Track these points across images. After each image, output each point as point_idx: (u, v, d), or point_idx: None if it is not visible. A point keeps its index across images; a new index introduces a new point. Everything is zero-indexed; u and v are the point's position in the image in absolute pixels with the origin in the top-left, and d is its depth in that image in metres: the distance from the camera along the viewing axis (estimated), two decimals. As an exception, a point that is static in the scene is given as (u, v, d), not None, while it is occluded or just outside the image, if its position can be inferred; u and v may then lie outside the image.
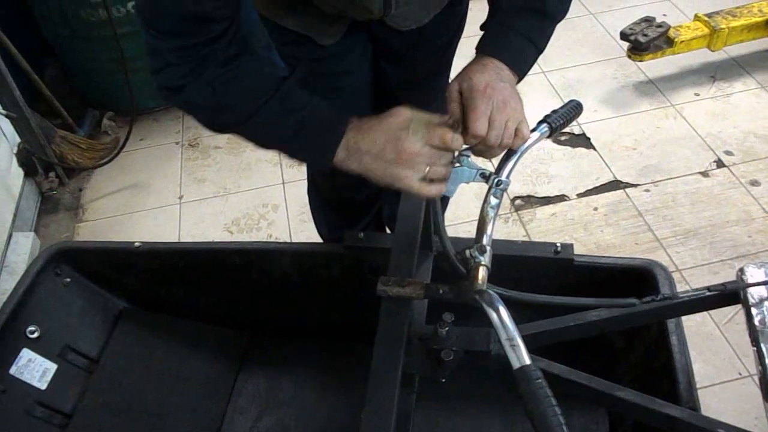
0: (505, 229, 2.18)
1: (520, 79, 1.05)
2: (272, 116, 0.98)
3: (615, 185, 2.31)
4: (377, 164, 0.95)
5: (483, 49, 1.04)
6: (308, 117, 0.98)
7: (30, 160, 2.38)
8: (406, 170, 0.93)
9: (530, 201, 2.29)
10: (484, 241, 0.95)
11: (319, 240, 1.79)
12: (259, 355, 1.55)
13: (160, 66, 0.94)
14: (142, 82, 2.57)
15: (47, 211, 2.43)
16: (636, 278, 1.30)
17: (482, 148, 0.98)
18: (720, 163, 2.35)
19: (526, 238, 2.14)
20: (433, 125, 0.95)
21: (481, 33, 1.08)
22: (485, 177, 0.99)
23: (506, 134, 0.96)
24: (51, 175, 2.48)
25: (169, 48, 0.92)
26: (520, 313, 0.91)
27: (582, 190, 2.30)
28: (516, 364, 0.75)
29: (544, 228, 2.18)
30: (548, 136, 1.06)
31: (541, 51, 1.07)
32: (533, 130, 1.02)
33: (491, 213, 0.98)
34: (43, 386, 1.33)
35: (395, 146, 0.93)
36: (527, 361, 0.74)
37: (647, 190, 2.28)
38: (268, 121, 0.98)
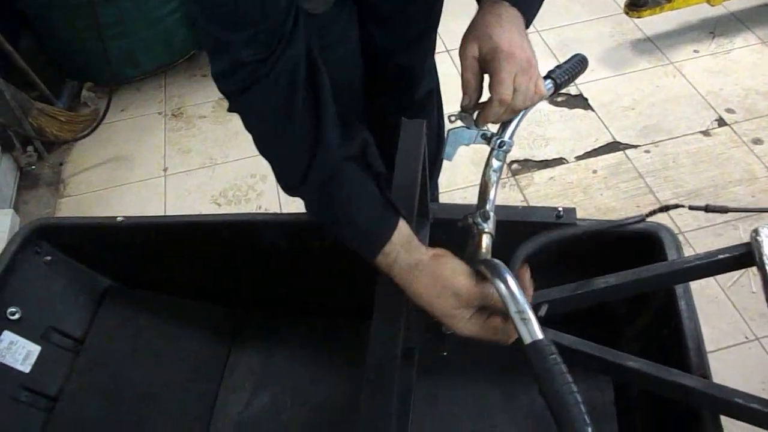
0: (502, 194, 2.12)
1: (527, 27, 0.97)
2: (308, 191, 0.91)
3: (614, 147, 2.26)
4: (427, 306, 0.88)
5: None
6: (343, 218, 0.91)
7: (6, 134, 2.30)
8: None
9: (527, 165, 2.23)
10: (487, 207, 0.90)
11: (310, 211, 1.74)
12: (251, 331, 1.51)
13: (225, 66, 0.82)
14: (121, 50, 2.51)
15: (27, 187, 2.36)
16: (642, 242, 1.25)
17: (501, 112, 0.90)
18: (721, 122, 2.30)
19: (524, 203, 2.10)
20: (491, 311, 0.84)
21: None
22: (487, 139, 0.93)
23: (529, 96, 0.90)
24: (29, 149, 2.40)
25: (242, 40, 0.79)
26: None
27: (580, 153, 2.25)
28: (528, 339, 0.69)
29: (542, 192, 2.13)
30: (552, 93, 0.99)
31: None
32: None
33: (494, 177, 0.93)
34: (27, 369, 1.29)
35: (446, 319, 0.86)
36: (539, 335, 0.69)
37: (647, 151, 2.23)
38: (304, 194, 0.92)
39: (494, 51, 0.89)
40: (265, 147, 0.90)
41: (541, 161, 2.24)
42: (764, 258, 1.01)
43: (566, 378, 0.65)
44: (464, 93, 0.92)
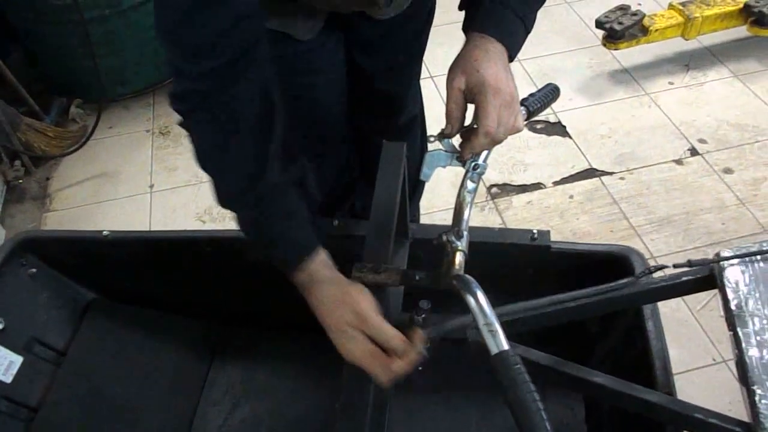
0: (481, 216, 2.17)
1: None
2: (241, 210, 0.96)
3: (590, 173, 2.32)
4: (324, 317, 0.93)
5: (482, 27, 0.98)
6: (272, 235, 0.97)
7: (-6, 149, 2.31)
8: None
9: (506, 189, 2.28)
10: (462, 226, 0.94)
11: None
12: (231, 346, 1.53)
13: (178, 89, 0.88)
14: (111, 69, 2.53)
15: (13, 201, 2.37)
16: (612, 265, 1.30)
17: (485, 143, 0.95)
18: (694, 151, 2.37)
19: (502, 226, 2.14)
20: (382, 335, 0.88)
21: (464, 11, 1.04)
22: (462, 161, 0.97)
23: (509, 128, 0.94)
24: (17, 163, 2.41)
25: (194, 70, 0.85)
26: (495, 298, 0.90)
27: (558, 178, 2.30)
28: (494, 350, 0.73)
29: (520, 216, 2.18)
30: (526, 120, 1.04)
31: (528, 33, 1.03)
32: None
33: (468, 198, 0.97)
34: (8, 380, 1.29)
35: (335, 333, 0.91)
36: (505, 346, 0.73)
37: (622, 178, 2.29)
38: (238, 211, 0.97)
39: (481, 85, 0.92)
40: (204, 165, 0.93)
41: (520, 186, 2.29)
42: (725, 280, 1.06)
43: (529, 387, 0.69)
44: (447, 122, 0.96)
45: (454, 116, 0.95)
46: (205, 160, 0.93)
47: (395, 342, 0.86)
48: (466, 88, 0.94)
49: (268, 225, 0.95)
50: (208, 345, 1.52)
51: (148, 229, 2.21)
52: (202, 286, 1.46)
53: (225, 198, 0.96)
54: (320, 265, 0.96)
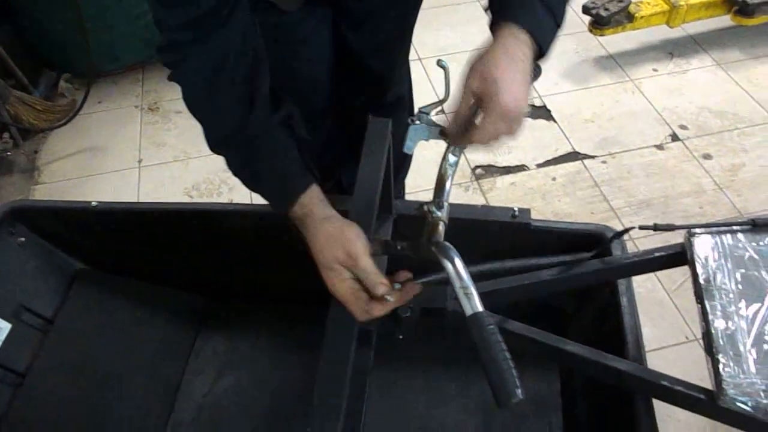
0: (465, 197, 2.20)
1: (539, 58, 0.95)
2: (232, 151, 1.00)
3: (573, 156, 2.36)
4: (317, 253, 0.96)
5: (513, 16, 0.91)
6: (264, 171, 1.00)
7: (-19, 121, 2.31)
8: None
9: (490, 170, 2.32)
10: (442, 197, 0.97)
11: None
12: (217, 318, 1.55)
13: (164, 42, 0.93)
14: (101, 43, 2.52)
15: (1, 173, 2.37)
16: (589, 242, 1.33)
17: (469, 144, 0.95)
18: (675, 137, 2.41)
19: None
20: (370, 278, 0.91)
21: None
22: (445, 135, 1.00)
23: (501, 139, 0.93)
24: (5, 135, 2.41)
25: (176, 21, 0.89)
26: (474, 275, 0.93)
27: (541, 161, 2.34)
28: (469, 311, 0.76)
29: (503, 197, 2.21)
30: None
31: (559, 27, 0.98)
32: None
33: (449, 171, 0.99)
34: (-3, 345, 1.31)
35: (326, 271, 0.94)
36: (480, 308, 0.76)
37: (604, 162, 2.33)
38: (227, 153, 1.01)
39: (493, 98, 0.86)
40: (193, 111, 0.98)
41: (504, 167, 2.33)
42: (695, 256, 1.11)
43: (501, 346, 0.73)
44: (454, 121, 0.92)
45: (461, 117, 0.91)
46: (193, 106, 0.98)
47: (381, 288, 0.90)
48: (479, 91, 0.88)
49: (259, 163, 0.99)
50: (194, 316, 1.54)
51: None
52: (188, 258, 1.48)
53: (214, 141, 1.00)
54: (315, 200, 0.99)
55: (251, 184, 1.04)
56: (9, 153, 2.41)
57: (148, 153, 2.44)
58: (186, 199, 2.25)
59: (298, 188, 0.99)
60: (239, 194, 2.22)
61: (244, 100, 0.95)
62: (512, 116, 0.87)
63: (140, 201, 2.25)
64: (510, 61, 0.87)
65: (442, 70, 0.98)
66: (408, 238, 1.01)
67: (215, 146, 1.01)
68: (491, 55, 0.88)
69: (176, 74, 0.95)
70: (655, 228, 1.10)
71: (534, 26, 0.91)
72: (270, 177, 1.01)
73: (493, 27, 0.94)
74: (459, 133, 0.92)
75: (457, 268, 0.80)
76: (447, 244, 0.84)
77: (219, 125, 0.98)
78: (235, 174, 1.03)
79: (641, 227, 1.14)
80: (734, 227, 1.11)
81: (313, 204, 0.99)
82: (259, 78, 0.96)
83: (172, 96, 2.64)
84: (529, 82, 0.90)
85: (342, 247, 0.92)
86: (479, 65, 0.88)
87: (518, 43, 0.90)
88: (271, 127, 0.98)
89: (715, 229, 1.12)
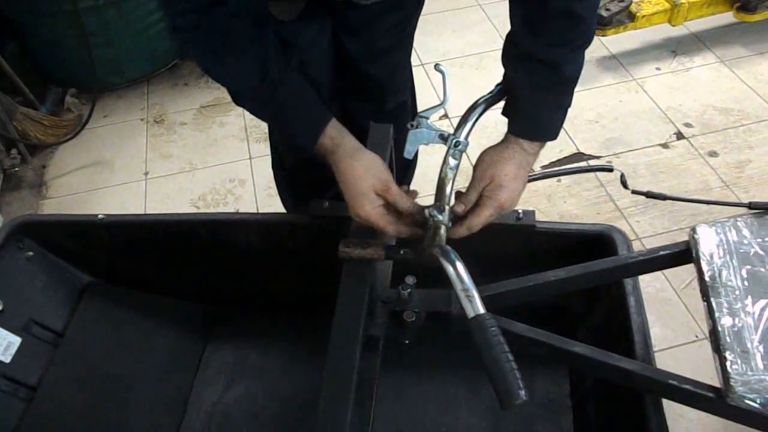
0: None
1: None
2: (257, 102, 1.10)
3: (578, 157, 2.35)
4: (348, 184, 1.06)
5: (528, 134, 1.09)
6: (290, 110, 1.08)
7: (-10, 138, 2.33)
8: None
9: (495, 173, 2.30)
10: (443, 201, 0.98)
11: (286, 213, 1.79)
12: (226, 327, 1.56)
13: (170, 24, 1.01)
14: (105, 58, 2.55)
15: (9, 189, 2.39)
16: (595, 243, 1.33)
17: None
18: (680, 135, 2.40)
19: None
20: (402, 201, 1.02)
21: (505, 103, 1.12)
22: (444, 139, 1.01)
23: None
24: (13, 152, 2.44)
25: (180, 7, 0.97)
26: (480, 277, 0.93)
27: (546, 162, 2.33)
28: (471, 314, 0.77)
29: (508, 199, 2.20)
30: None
31: (566, 109, 1.13)
32: (492, 91, 1.04)
33: (450, 174, 1.00)
34: (8, 359, 1.31)
35: (357, 198, 1.03)
36: (481, 310, 0.76)
37: (609, 162, 2.32)
38: (252, 104, 1.11)
39: (492, 198, 1.04)
40: (215, 77, 1.11)
41: (508, 170, 2.32)
42: (700, 253, 1.10)
43: (504, 348, 0.73)
44: (462, 202, 1.05)
45: (469, 202, 1.05)
46: (212, 74, 1.10)
47: (409, 204, 1.02)
48: (485, 186, 1.05)
49: (284, 105, 1.08)
50: (203, 327, 1.55)
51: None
52: (196, 269, 1.49)
53: (240, 97, 1.10)
54: (343, 131, 1.09)
55: (277, 125, 1.20)
56: (17, 168, 2.43)
57: (154, 165, 2.46)
58: (193, 210, 2.25)
59: (323, 120, 1.08)
60: (245, 204, 2.23)
61: (257, 58, 1.02)
62: (503, 211, 1.06)
63: (147, 213, 2.26)
64: (516, 171, 1.05)
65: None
66: (411, 243, 1.02)
67: (241, 101, 1.10)
68: (501, 165, 1.05)
69: (188, 51, 1.07)
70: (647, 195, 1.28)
71: (542, 134, 1.10)
72: (296, 114, 1.08)
73: (508, 130, 1.09)
74: (459, 220, 1.04)
75: (458, 271, 0.80)
76: (447, 247, 0.85)
77: (240, 84, 1.07)
78: (261, 119, 1.17)
79: (634, 192, 1.37)
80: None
81: (342, 136, 1.08)
82: (268, 35, 1.04)
83: (177, 108, 2.66)
84: (526, 174, 1.09)
85: (378, 177, 1.03)
86: (491, 170, 1.05)
87: (526, 156, 1.08)
88: (287, 74, 1.06)
89: (718, 222, 1.12)
